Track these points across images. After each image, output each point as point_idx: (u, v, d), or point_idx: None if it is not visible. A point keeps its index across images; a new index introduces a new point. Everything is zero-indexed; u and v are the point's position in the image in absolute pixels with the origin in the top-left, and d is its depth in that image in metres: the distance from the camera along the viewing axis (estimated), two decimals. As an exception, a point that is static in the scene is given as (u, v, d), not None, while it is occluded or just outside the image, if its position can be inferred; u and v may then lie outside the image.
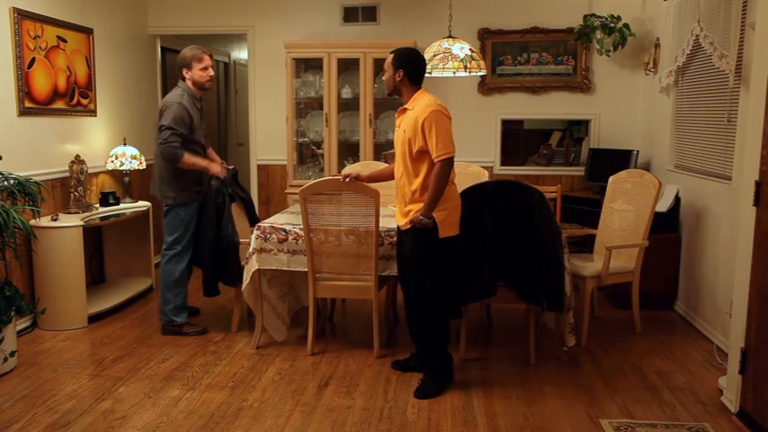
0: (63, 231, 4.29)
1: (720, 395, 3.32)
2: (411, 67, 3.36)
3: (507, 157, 6.06)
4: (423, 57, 3.49)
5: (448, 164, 3.22)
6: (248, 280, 3.87)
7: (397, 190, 3.47)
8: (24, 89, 4.33)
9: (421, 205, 3.27)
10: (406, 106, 3.37)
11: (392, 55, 3.39)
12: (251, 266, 3.87)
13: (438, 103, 3.29)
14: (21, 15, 4.26)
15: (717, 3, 4.06)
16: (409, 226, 3.33)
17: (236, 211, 4.35)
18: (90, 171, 4.98)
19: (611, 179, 4.56)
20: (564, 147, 6.17)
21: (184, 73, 4.18)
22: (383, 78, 3.53)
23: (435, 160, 3.21)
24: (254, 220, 4.54)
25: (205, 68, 4.18)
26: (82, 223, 4.41)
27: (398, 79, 3.36)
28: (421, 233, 3.28)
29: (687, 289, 4.61)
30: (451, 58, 4.12)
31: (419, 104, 3.29)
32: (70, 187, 4.72)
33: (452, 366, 3.51)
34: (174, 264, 4.17)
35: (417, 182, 3.30)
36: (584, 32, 5.47)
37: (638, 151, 5.43)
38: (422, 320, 3.47)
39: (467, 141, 6.02)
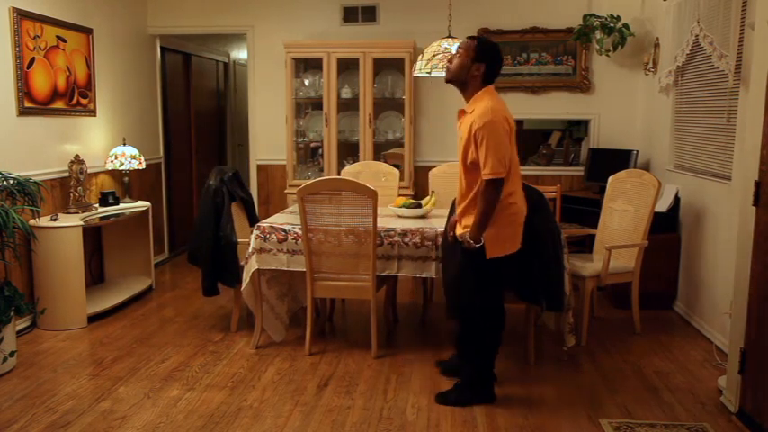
0: (62, 231, 4.28)
1: (720, 395, 3.32)
2: (493, 63, 3.01)
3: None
4: (502, 57, 3.13)
5: (494, 186, 2.90)
6: (248, 280, 3.87)
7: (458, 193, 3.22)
8: (24, 89, 4.32)
9: (472, 219, 3.01)
10: (465, 108, 3.07)
11: (474, 42, 3.01)
12: (250, 266, 3.87)
13: (497, 109, 2.94)
14: (20, 15, 4.26)
15: (716, 3, 4.06)
16: (460, 239, 3.08)
17: (236, 211, 4.35)
18: (89, 171, 4.98)
19: (610, 179, 4.56)
20: (563, 147, 6.17)
21: None
22: (450, 63, 3.08)
23: (482, 178, 2.92)
24: (253, 221, 4.54)
25: None
26: (81, 223, 4.41)
27: (475, 73, 2.99)
28: (468, 251, 3.04)
29: (687, 289, 4.61)
30: (451, 57, 4.11)
31: (477, 108, 2.97)
32: (70, 187, 4.72)
33: (492, 386, 3.30)
34: None
35: (470, 195, 3.04)
36: (583, 32, 5.47)
37: (637, 151, 5.43)
38: (468, 331, 3.26)
39: (466, 141, 6.02)
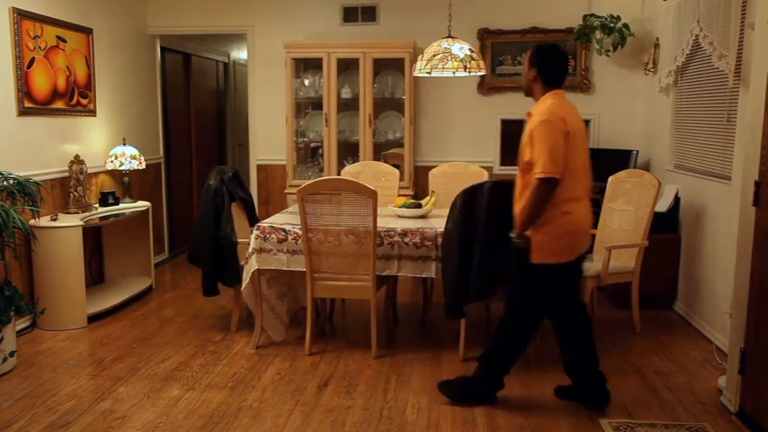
0: (62, 231, 4.28)
1: (720, 395, 3.32)
2: (545, 66, 3.03)
3: (507, 157, 6.05)
4: (561, 55, 3.14)
5: (546, 185, 2.85)
6: (248, 280, 3.87)
7: None
8: (24, 89, 4.32)
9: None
10: (530, 110, 3.07)
11: (529, 51, 3.10)
12: (250, 266, 3.87)
13: (554, 111, 2.92)
14: (20, 15, 4.26)
15: (716, 3, 4.06)
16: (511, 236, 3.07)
17: (236, 211, 4.35)
18: (89, 171, 4.98)
19: (610, 179, 4.56)
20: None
21: None
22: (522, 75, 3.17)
23: (534, 177, 2.89)
24: (253, 221, 4.54)
25: None
26: (81, 223, 4.41)
27: (530, 78, 3.06)
28: (519, 251, 3.01)
29: (687, 289, 4.61)
30: (451, 57, 4.11)
31: (537, 111, 2.99)
32: (70, 187, 4.72)
33: (494, 391, 3.24)
34: None
35: (526, 194, 2.97)
36: (583, 32, 5.47)
37: (637, 151, 5.43)
38: (506, 329, 3.22)
39: (466, 141, 6.03)
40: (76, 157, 4.76)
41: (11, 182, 3.79)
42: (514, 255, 3.08)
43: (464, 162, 5.09)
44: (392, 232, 3.80)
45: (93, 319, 4.48)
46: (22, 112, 4.32)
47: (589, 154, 3.12)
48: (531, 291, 3.10)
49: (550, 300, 3.14)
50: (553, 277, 3.05)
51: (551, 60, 3.06)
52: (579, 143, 2.99)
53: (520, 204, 3.02)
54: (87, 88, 5.09)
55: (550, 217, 2.93)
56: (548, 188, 2.86)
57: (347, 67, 5.84)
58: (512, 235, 3.01)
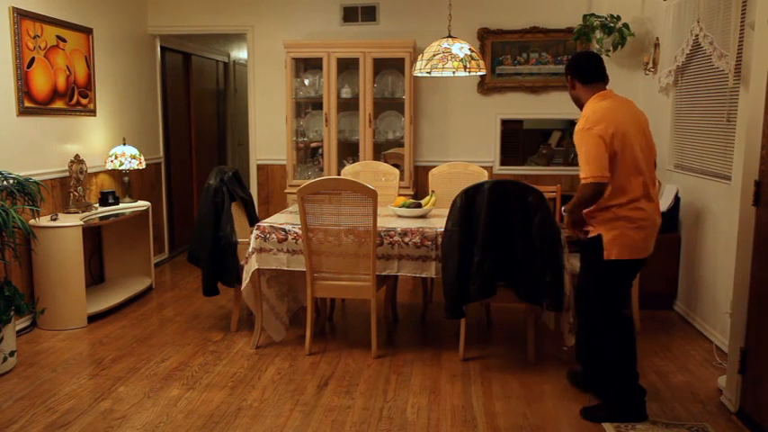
0: (62, 231, 4.28)
1: (720, 395, 3.32)
2: (574, 69, 3.13)
3: (507, 157, 6.06)
4: (589, 54, 3.25)
5: (590, 188, 2.92)
6: (248, 280, 3.87)
7: None
8: (24, 89, 4.32)
9: (592, 223, 3.05)
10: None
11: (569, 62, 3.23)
12: (250, 266, 3.87)
13: (591, 117, 2.97)
14: (20, 15, 4.26)
15: (716, 2, 4.06)
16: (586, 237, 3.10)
17: (236, 211, 4.35)
18: (89, 171, 4.98)
19: (610, 179, 4.54)
20: (563, 146, 6.17)
21: None
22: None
23: (581, 181, 2.98)
24: (254, 220, 4.54)
25: None
26: (81, 223, 4.41)
27: (571, 86, 3.17)
28: (588, 249, 3.09)
29: (687, 289, 4.61)
30: (451, 57, 4.11)
31: (581, 118, 3.04)
32: (70, 187, 4.72)
33: (642, 400, 3.08)
34: None
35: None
36: (583, 32, 5.47)
37: (637, 151, 5.42)
38: (589, 341, 3.20)
39: (466, 141, 6.03)
40: (76, 156, 4.76)
41: (11, 182, 3.79)
42: (586, 250, 3.14)
43: (464, 162, 5.08)
44: (392, 232, 3.80)
45: (93, 318, 4.48)
46: (22, 111, 4.32)
47: (653, 149, 3.12)
48: (601, 289, 3.10)
49: (620, 300, 3.12)
50: (621, 274, 3.07)
51: (579, 61, 3.17)
52: (632, 141, 2.98)
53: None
54: (87, 88, 5.09)
55: (621, 215, 2.97)
56: (592, 190, 2.92)
57: (347, 67, 5.84)
58: (563, 210, 3.12)
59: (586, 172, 2.92)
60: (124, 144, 5.31)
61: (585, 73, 3.12)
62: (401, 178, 5.39)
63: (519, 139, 6.24)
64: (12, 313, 3.65)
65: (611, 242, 2.97)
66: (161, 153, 6.31)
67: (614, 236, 2.97)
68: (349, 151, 5.95)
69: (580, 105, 3.16)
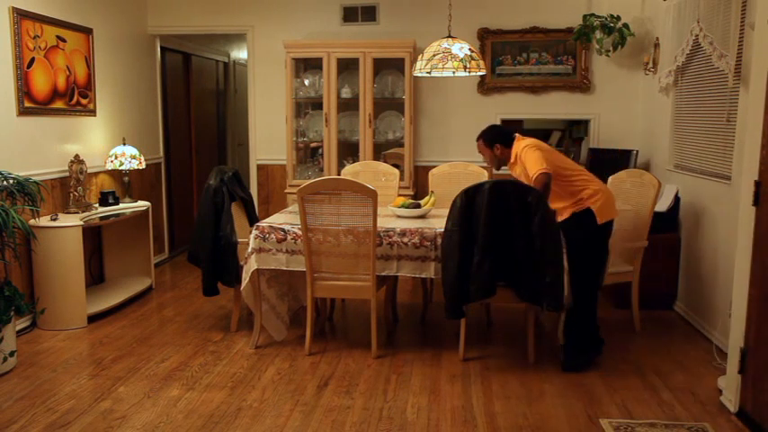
0: (62, 231, 4.28)
1: (720, 395, 3.32)
2: (501, 136, 3.93)
3: (507, 157, 6.05)
4: (495, 126, 4.26)
5: (543, 177, 3.57)
6: (247, 280, 3.87)
7: None
8: (24, 89, 4.32)
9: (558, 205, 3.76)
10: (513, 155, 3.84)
11: (479, 141, 3.96)
12: (250, 266, 3.87)
13: (532, 142, 3.78)
14: (20, 15, 4.26)
15: (716, 3, 4.06)
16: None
17: (236, 211, 4.35)
18: (89, 171, 4.98)
19: (610, 179, 4.55)
20: (563, 147, 6.17)
21: None
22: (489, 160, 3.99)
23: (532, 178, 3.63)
24: (253, 220, 4.54)
25: None
26: (81, 223, 4.41)
27: (498, 154, 3.90)
28: (582, 231, 3.72)
29: (686, 289, 4.61)
30: (451, 57, 4.11)
31: (515, 150, 3.81)
32: (69, 187, 4.72)
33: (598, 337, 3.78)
34: None
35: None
36: (583, 32, 5.47)
37: (637, 151, 5.43)
38: (585, 308, 3.74)
39: (466, 141, 6.02)
40: (76, 156, 4.76)
41: (11, 182, 3.79)
42: (572, 232, 3.67)
43: (464, 162, 5.09)
44: (391, 232, 3.79)
45: (93, 318, 4.48)
46: (22, 111, 4.32)
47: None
48: (600, 254, 3.79)
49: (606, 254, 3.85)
50: (608, 234, 3.78)
51: (498, 131, 3.99)
52: (559, 155, 3.88)
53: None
54: (87, 88, 5.09)
55: (590, 194, 3.70)
56: (545, 179, 3.55)
57: (347, 67, 5.84)
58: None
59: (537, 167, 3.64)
60: (124, 144, 5.31)
61: (507, 138, 3.88)
62: (401, 178, 5.39)
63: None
64: (12, 313, 3.65)
65: (600, 209, 3.66)
66: (161, 153, 6.31)
67: (601, 204, 3.68)
68: (349, 151, 5.95)
69: (502, 163, 3.93)
